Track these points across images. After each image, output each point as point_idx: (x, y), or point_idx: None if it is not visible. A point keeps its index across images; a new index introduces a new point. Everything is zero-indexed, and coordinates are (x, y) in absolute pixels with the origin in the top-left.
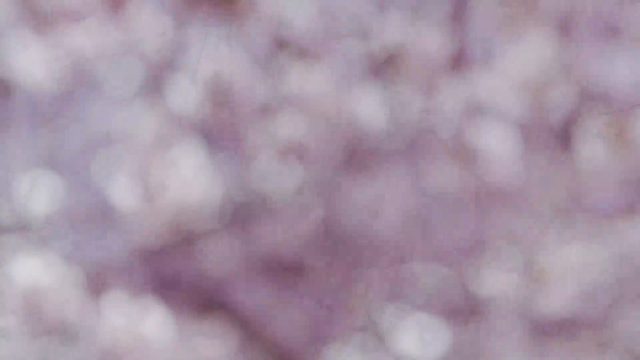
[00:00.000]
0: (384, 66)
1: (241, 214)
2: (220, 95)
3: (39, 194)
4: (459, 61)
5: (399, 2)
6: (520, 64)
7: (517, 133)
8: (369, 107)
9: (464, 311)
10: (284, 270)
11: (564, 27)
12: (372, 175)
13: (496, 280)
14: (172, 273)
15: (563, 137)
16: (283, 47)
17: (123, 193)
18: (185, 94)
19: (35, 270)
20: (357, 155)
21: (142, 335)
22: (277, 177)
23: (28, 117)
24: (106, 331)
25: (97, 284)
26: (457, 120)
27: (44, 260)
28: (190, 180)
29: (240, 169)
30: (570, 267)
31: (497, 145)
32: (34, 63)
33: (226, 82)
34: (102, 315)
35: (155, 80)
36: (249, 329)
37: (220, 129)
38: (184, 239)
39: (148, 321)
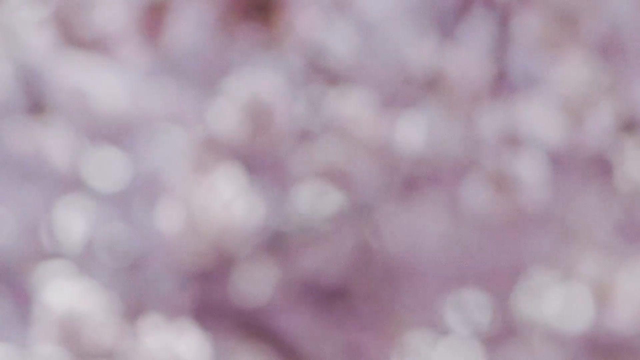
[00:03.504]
0: (423, 91)
1: (281, 240)
2: (259, 120)
3: (78, 220)
4: (499, 86)
5: (438, 26)
6: (560, 88)
7: (557, 157)
8: (408, 133)
9: (503, 335)
10: (325, 296)
11: (605, 50)
12: (412, 200)
13: (535, 304)
14: (213, 299)
15: (603, 160)
16: (321, 72)
17: (165, 216)
18: (225, 118)
19: (73, 297)
20: (397, 181)
21: (178, 357)
22: (316, 203)
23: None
24: (143, 354)
25: (134, 308)
26: (497, 145)
27: (81, 286)
28: (231, 203)
29: (280, 195)
30: (613, 289)
31: (537, 170)
32: (72, 89)
33: (265, 107)
34: (139, 339)
35: (195, 104)
36: (289, 354)
37: (259, 155)
38: (224, 265)
39: (184, 343)
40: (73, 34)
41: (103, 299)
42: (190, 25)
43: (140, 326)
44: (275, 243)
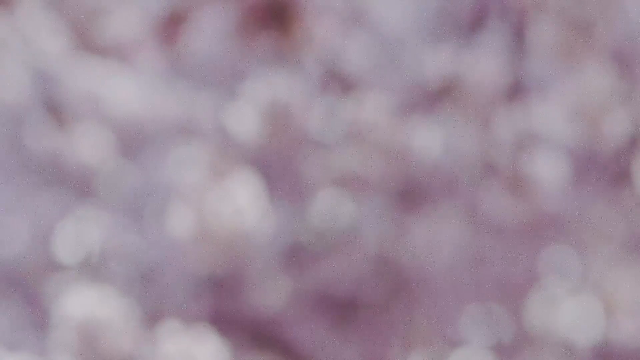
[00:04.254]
0: (439, 97)
1: (296, 249)
2: (275, 125)
3: (93, 228)
4: (515, 91)
5: (454, 31)
6: (576, 94)
7: (573, 164)
8: (424, 139)
9: (517, 346)
10: (339, 307)
11: (620, 57)
12: (428, 209)
13: (548, 315)
14: (227, 309)
15: (619, 167)
16: (338, 79)
17: (177, 221)
18: (241, 124)
19: (90, 304)
20: (413, 188)
21: None
22: (332, 212)
23: None
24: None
25: (152, 314)
26: (513, 151)
27: (99, 293)
28: (245, 208)
29: (295, 203)
30: (625, 301)
31: (553, 177)
32: (88, 95)
33: (282, 112)
34: (157, 345)
35: (211, 110)
36: None
37: (275, 162)
38: (239, 275)
39: (203, 348)
40: (89, 41)
41: (121, 305)
42: (208, 33)
43: (158, 332)
44: (290, 253)
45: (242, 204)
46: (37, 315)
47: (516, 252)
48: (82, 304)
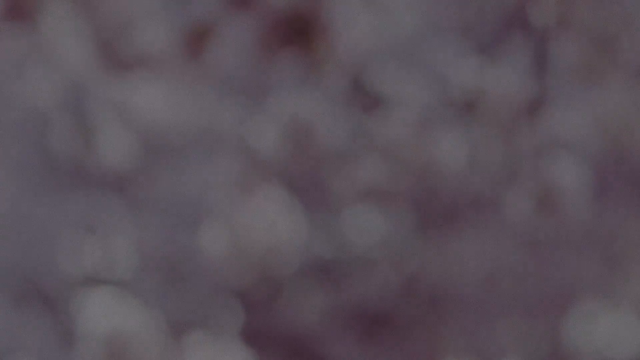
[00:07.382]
0: (464, 111)
1: (327, 265)
2: (300, 139)
3: (122, 240)
4: (538, 105)
5: (478, 47)
6: (599, 108)
7: (599, 176)
8: (449, 153)
9: None
10: (370, 322)
11: None
12: (457, 223)
13: (583, 331)
14: (260, 324)
15: None
16: (362, 93)
17: (209, 237)
18: (266, 138)
19: (116, 316)
20: (440, 203)
21: None
22: (360, 227)
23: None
24: None
25: (179, 326)
26: (537, 164)
27: (126, 305)
28: (276, 222)
29: (323, 219)
30: None
31: (578, 189)
32: (115, 108)
33: (306, 127)
34: (184, 357)
35: (236, 122)
36: None
37: (301, 176)
38: (272, 290)
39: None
40: (116, 52)
41: (148, 317)
42: (232, 47)
43: (185, 343)
44: (321, 268)
45: (273, 218)
46: (63, 330)
47: (547, 268)
48: (108, 317)
